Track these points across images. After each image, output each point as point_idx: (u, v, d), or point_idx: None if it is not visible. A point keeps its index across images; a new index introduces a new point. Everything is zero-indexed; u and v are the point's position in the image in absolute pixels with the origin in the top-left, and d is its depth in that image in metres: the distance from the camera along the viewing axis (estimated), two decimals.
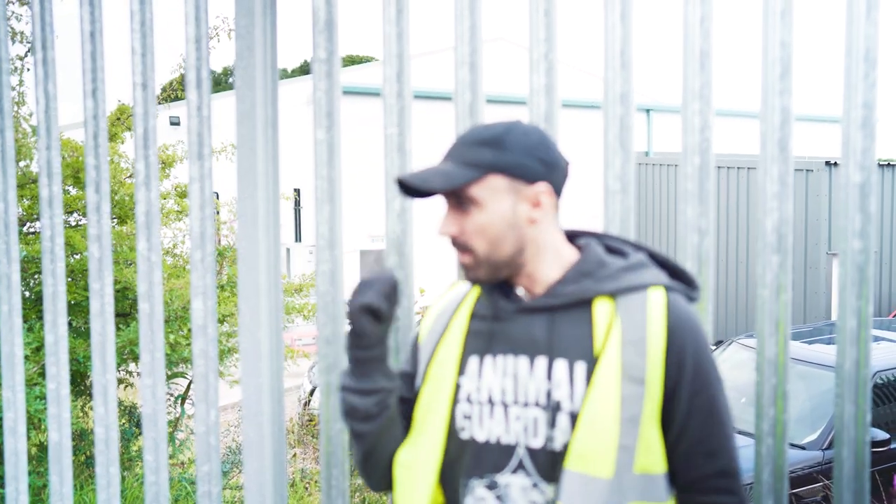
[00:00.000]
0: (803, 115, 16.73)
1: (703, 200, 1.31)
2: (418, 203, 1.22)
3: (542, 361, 0.99)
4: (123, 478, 3.30)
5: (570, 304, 0.99)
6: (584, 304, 0.99)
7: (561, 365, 0.98)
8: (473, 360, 1.03)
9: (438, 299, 1.16)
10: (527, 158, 0.98)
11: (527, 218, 0.99)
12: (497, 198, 0.97)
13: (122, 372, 3.65)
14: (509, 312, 1.02)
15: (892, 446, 4.28)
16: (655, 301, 0.99)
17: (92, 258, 1.60)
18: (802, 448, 4.18)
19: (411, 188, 0.99)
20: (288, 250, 12.35)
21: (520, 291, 1.04)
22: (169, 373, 3.50)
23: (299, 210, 12.65)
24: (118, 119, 3.86)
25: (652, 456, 0.95)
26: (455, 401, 1.03)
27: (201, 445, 1.51)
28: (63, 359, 1.65)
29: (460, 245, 1.00)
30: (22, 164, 3.36)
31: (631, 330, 0.96)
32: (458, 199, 0.99)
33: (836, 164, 9.07)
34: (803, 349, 4.91)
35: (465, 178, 0.96)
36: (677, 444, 0.97)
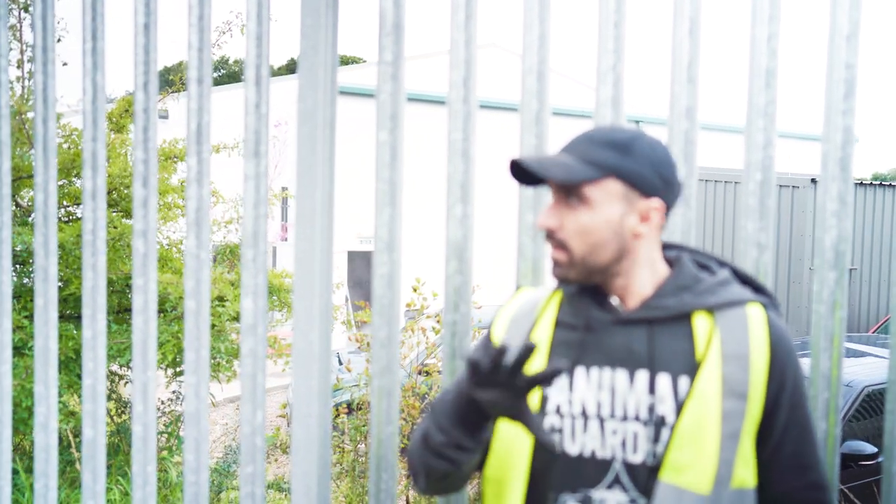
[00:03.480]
0: (789, 133, 17.07)
1: (763, 216, 1.33)
2: (480, 209, 1.22)
3: (643, 375, 0.97)
4: (129, 477, 3.24)
5: (670, 317, 0.98)
6: (684, 317, 0.99)
7: (664, 379, 0.96)
8: (571, 365, 1.00)
9: (507, 307, 1.12)
10: (649, 170, 0.96)
11: (632, 231, 0.97)
12: (609, 202, 0.96)
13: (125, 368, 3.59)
14: (604, 323, 1.00)
15: (881, 459, 4.36)
16: (756, 317, 0.99)
17: (136, 253, 1.58)
18: None
19: (522, 173, 0.98)
20: (274, 249, 12.24)
21: (614, 301, 1.02)
22: (181, 369, 3.45)
23: (287, 209, 12.56)
24: (126, 111, 3.81)
25: (747, 470, 0.95)
26: (542, 413, 1.00)
27: (247, 446, 1.49)
28: (101, 354, 1.62)
29: (557, 241, 0.98)
30: (33, 151, 3.29)
31: (732, 344, 0.96)
32: (568, 194, 0.97)
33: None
34: None
35: (585, 174, 0.94)
36: (773, 458, 0.98)
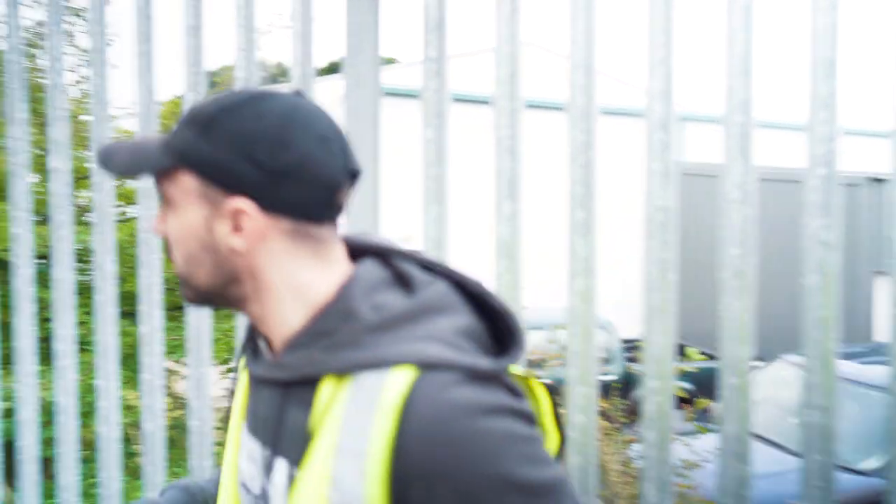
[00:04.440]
0: (849, 130, 16.41)
1: (828, 213, 1.27)
2: (529, 206, 1.19)
3: (267, 454, 0.73)
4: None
5: (298, 380, 0.69)
6: (312, 382, 0.67)
7: (281, 467, 0.70)
8: (244, 426, 0.79)
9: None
10: (232, 155, 0.66)
11: (226, 245, 0.68)
12: (188, 204, 0.69)
13: None
14: (253, 376, 0.76)
15: None
16: (391, 392, 0.62)
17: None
18: (865, 474, 4.00)
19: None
20: None
21: (262, 345, 0.75)
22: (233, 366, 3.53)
23: None
24: (174, 113, 3.91)
25: None
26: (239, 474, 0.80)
27: None
28: (157, 350, 1.67)
29: (168, 250, 0.74)
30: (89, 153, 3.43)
31: (352, 433, 0.63)
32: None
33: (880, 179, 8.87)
34: (861, 370, 4.65)
35: (149, 164, 0.69)
36: None
